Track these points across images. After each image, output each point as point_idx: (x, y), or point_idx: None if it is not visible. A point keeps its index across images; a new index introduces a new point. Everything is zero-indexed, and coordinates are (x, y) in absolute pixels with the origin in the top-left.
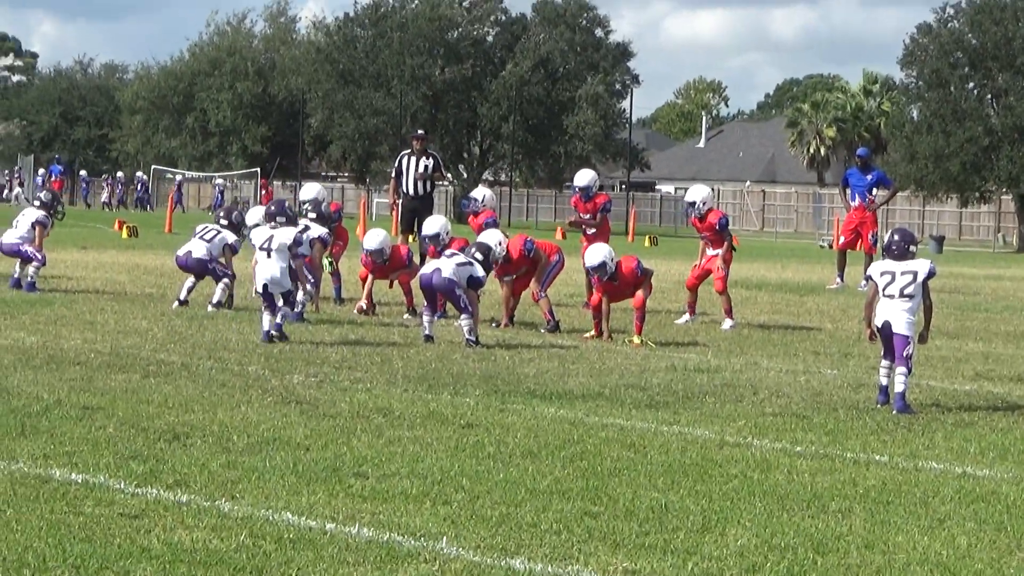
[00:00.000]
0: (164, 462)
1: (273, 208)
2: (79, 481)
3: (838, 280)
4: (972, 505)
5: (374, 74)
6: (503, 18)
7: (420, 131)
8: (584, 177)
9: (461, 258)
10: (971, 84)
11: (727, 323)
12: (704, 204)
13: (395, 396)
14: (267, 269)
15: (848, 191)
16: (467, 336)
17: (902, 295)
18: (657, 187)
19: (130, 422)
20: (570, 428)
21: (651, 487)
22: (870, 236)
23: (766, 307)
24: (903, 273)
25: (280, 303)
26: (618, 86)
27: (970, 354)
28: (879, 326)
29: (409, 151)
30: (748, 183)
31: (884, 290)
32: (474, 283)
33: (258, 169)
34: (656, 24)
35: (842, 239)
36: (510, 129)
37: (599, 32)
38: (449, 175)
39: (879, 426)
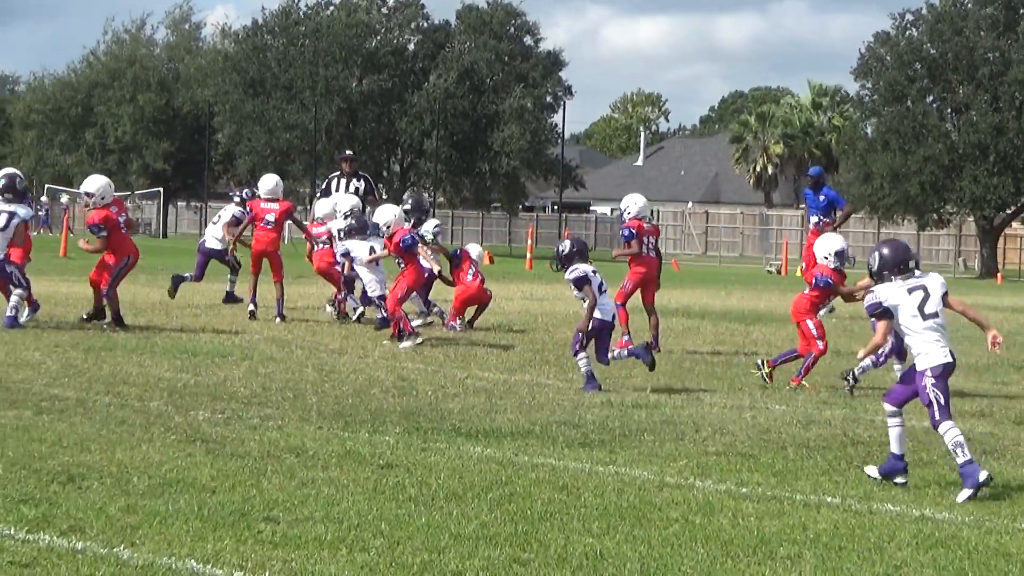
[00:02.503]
0: (58, 506)
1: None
2: None
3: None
4: (931, 551)
5: (286, 85)
6: (425, 25)
7: (348, 152)
8: None
9: None
10: (930, 98)
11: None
12: (388, 227)
13: (308, 434)
14: None
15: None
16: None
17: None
18: (592, 208)
19: (21, 463)
20: (498, 468)
21: (585, 532)
22: None
23: (709, 337)
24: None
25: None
26: (549, 98)
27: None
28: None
29: (339, 173)
30: (690, 203)
31: (924, 307)
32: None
33: (161, 189)
34: (593, 33)
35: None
36: (433, 145)
37: (528, 40)
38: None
39: (830, 466)
